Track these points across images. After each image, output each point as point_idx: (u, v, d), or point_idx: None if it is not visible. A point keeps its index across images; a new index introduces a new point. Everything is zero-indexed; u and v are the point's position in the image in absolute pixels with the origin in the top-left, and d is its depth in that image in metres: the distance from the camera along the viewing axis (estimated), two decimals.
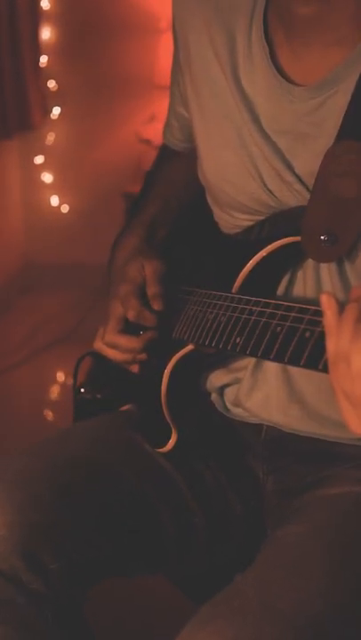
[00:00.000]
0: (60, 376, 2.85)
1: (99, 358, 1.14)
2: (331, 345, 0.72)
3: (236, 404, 1.05)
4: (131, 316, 1.05)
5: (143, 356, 1.06)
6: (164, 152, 1.26)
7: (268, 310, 0.82)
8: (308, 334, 0.74)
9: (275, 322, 0.79)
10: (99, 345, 1.09)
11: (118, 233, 1.20)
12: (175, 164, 1.23)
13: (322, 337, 0.72)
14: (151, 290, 1.06)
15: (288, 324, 0.77)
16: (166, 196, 1.21)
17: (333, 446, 0.99)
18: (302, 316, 0.76)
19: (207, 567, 1.09)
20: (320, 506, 0.94)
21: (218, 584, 0.85)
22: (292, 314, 0.78)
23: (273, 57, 0.95)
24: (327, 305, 0.73)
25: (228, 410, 1.07)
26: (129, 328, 1.07)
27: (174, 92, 1.15)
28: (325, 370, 0.73)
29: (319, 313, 0.74)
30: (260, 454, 1.05)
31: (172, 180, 1.23)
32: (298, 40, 0.92)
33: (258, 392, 1.01)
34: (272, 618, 0.76)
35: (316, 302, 0.76)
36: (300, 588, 0.80)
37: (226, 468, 1.08)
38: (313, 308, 0.76)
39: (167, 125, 1.21)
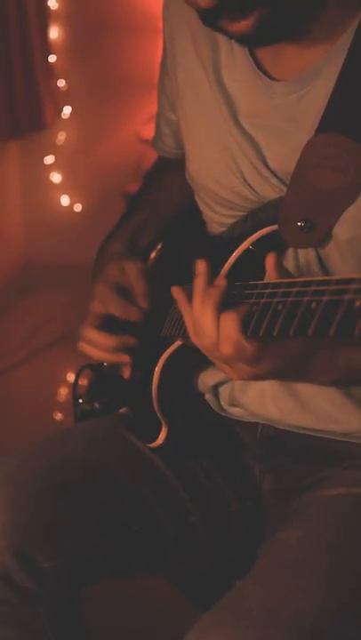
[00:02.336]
0: (61, 376, 2.85)
1: (96, 369, 1.16)
2: (188, 321, 0.88)
3: (232, 402, 1.05)
4: (116, 311, 1.07)
5: (126, 358, 1.07)
6: (160, 160, 1.28)
7: (247, 292, 0.83)
8: (280, 306, 0.75)
9: (252, 301, 0.80)
10: (80, 344, 1.10)
11: (104, 239, 1.21)
12: (167, 170, 1.24)
13: (293, 307, 0.73)
14: (138, 288, 1.08)
15: (264, 300, 0.78)
16: (156, 202, 1.22)
17: (329, 444, 0.99)
18: (275, 290, 0.77)
19: (207, 567, 1.10)
20: (319, 508, 0.94)
21: (218, 585, 0.85)
22: (267, 290, 0.78)
23: (253, 54, 0.96)
24: (177, 293, 0.91)
25: (223, 409, 1.07)
26: (110, 328, 1.08)
27: (162, 99, 1.17)
28: (291, 336, 0.74)
29: (292, 284, 0.75)
30: (256, 453, 1.06)
31: (163, 187, 1.24)
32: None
33: (253, 387, 1.01)
34: (275, 622, 0.76)
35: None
36: (302, 591, 0.80)
37: (222, 468, 1.08)
38: (286, 280, 0.77)
39: (158, 135, 1.23)
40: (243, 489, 1.07)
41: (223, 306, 0.83)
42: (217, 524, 1.06)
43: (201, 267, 0.88)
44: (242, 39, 0.87)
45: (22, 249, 3.62)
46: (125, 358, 1.07)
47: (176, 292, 0.92)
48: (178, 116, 1.09)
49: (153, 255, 1.22)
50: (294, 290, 0.73)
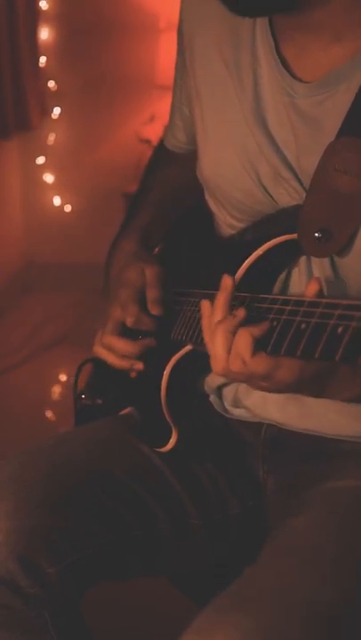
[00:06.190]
0: (61, 376, 2.85)
1: (99, 364, 1.15)
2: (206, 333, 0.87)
3: (236, 403, 1.05)
4: (129, 322, 1.07)
5: (140, 366, 1.07)
6: (160, 154, 1.26)
7: (265, 306, 0.82)
8: (303, 326, 0.74)
9: (271, 316, 0.79)
10: (97, 348, 1.10)
11: (114, 237, 1.20)
12: (171, 166, 1.23)
13: (317, 329, 0.72)
14: (151, 294, 1.07)
15: (284, 317, 0.77)
16: (160, 200, 1.22)
17: (336, 444, 0.99)
18: (298, 308, 0.76)
19: (208, 568, 1.09)
20: (326, 497, 0.94)
21: (218, 584, 0.84)
22: (288, 307, 0.77)
23: (279, 51, 0.95)
24: (205, 308, 0.88)
25: (227, 411, 1.07)
26: (128, 333, 1.07)
27: (178, 93, 1.16)
28: (316, 359, 0.73)
29: (315, 304, 0.74)
30: (260, 453, 1.05)
31: (167, 184, 1.23)
32: (298, 35, 0.92)
33: (256, 391, 1.00)
34: (288, 610, 0.76)
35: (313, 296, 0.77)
36: (311, 577, 0.80)
37: (224, 470, 1.08)
38: (308, 299, 0.76)
39: (170, 127, 1.21)
40: (245, 490, 1.07)
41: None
42: (217, 526, 1.06)
43: (227, 283, 0.86)
44: None
45: (23, 249, 3.62)
46: (139, 365, 1.07)
47: (205, 306, 0.90)
48: (192, 111, 1.08)
49: (155, 252, 1.21)
50: (318, 310, 0.73)
